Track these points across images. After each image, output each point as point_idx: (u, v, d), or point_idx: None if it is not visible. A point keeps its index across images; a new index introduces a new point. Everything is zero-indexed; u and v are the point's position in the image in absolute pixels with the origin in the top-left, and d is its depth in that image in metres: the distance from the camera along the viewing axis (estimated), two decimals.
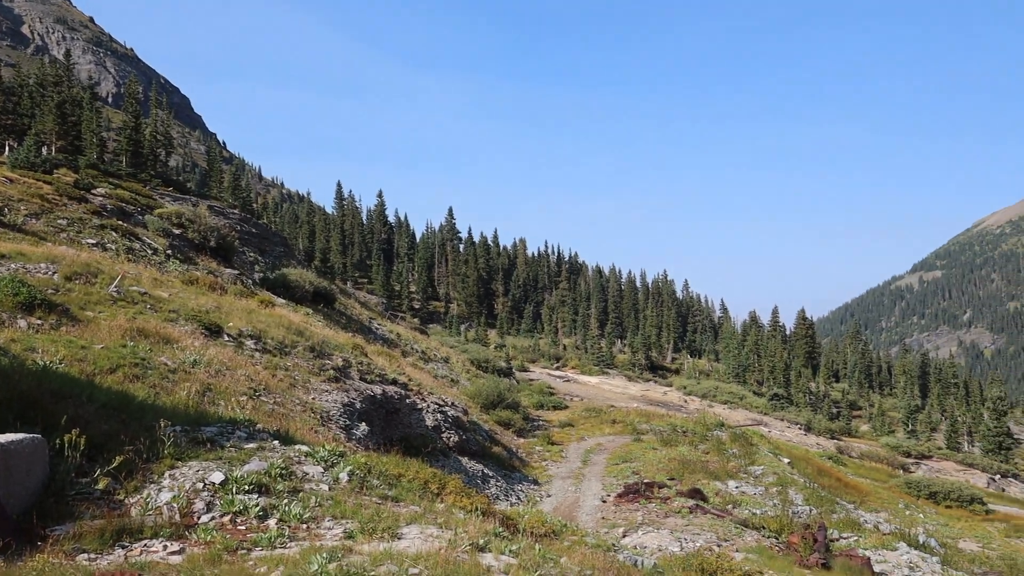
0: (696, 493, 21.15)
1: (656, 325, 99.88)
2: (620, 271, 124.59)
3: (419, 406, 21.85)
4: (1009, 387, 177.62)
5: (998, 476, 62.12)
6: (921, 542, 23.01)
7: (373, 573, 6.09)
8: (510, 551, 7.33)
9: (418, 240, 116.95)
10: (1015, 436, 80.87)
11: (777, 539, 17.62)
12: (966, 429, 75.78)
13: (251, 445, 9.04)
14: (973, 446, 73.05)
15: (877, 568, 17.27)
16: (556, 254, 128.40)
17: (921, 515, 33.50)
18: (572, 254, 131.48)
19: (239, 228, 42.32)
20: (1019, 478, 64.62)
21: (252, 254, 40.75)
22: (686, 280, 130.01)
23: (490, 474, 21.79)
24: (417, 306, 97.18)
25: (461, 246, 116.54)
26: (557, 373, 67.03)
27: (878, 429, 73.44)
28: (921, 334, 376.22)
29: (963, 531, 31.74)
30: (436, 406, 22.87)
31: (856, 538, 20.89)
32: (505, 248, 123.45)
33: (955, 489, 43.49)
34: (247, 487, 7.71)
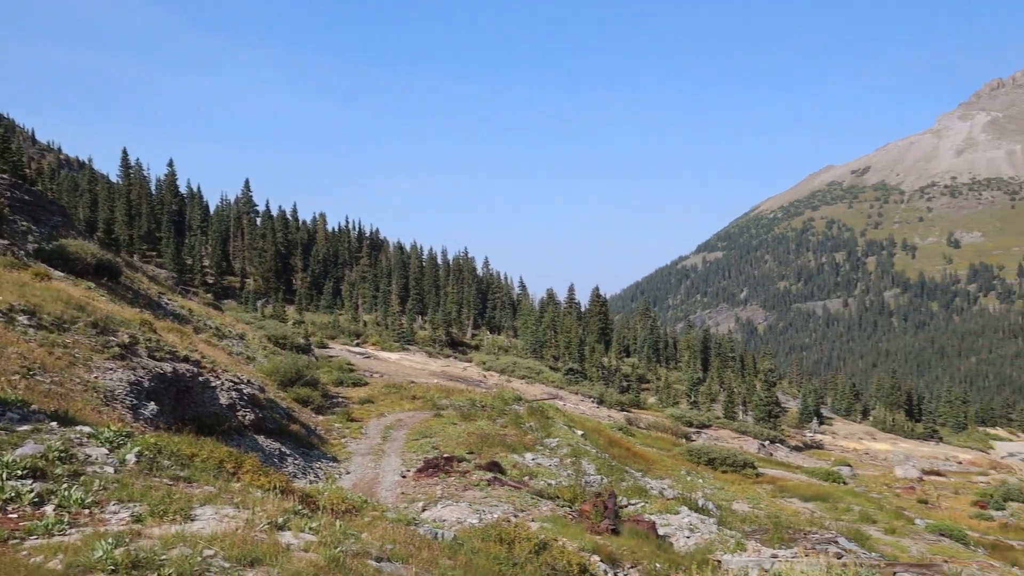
0: (494, 466, 21.58)
1: (457, 302, 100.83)
2: (421, 248, 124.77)
3: (213, 384, 21.04)
4: (778, 360, 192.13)
5: (767, 442, 67.35)
6: (700, 505, 24.62)
7: (164, 557, 5.83)
8: (310, 528, 7.22)
9: (212, 213, 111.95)
10: (783, 405, 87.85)
11: (571, 508, 18.31)
12: (741, 399, 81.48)
13: (25, 427, 8.38)
14: (747, 415, 78.67)
15: (661, 531, 18.33)
16: (357, 230, 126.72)
17: (701, 480, 35.78)
18: (373, 230, 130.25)
19: (8, 195, 38.96)
20: (785, 443, 70.32)
21: (25, 223, 37.63)
22: (486, 258, 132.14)
23: (287, 452, 21.34)
24: (211, 281, 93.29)
25: (258, 220, 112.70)
26: (357, 350, 66.39)
27: (664, 401, 77.64)
28: (704, 311, 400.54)
29: (736, 493, 34.16)
30: (231, 384, 22.10)
31: (643, 504, 22.05)
32: (304, 223, 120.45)
33: (731, 455, 46.78)
34: (20, 472, 7.14)
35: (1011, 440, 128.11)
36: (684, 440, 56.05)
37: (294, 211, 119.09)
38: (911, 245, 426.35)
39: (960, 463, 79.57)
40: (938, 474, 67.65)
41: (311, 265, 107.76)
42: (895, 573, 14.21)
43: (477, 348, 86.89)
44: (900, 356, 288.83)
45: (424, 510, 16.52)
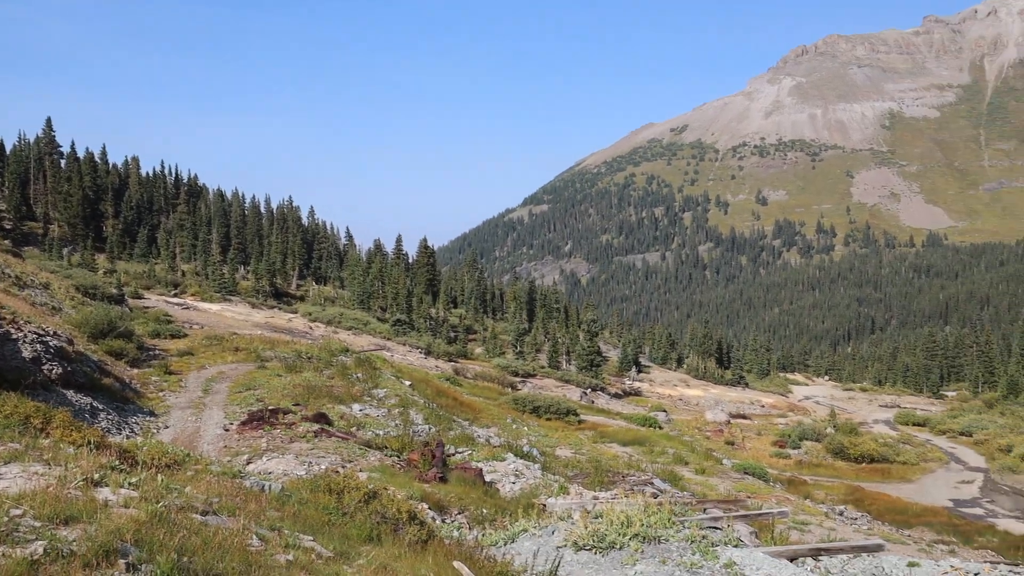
0: (322, 417, 21.33)
1: (281, 252, 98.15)
2: (244, 196, 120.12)
3: (14, 336, 19.66)
4: (600, 311, 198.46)
5: (589, 390, 69.79)
6: (525, 452, 25.29)
7: None
8: (130, 484, 6.92)
9: (8, 153, 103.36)
10: (604, 354, 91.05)
11: (399, 457, 18.39)
12: (565, 349, 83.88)
13: None
14: (571, 364, 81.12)
15: (488, 477, 18.72)
16: (174, 175, 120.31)
17: (526, 428, 36.73)
18: (192, 176, 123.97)
19: None
20: (606, 391, 73.08)
21: None
22: (312, 207, 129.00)
23: (100, 407, 20.28)
24: (9, 227, 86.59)
25: (63, 162, 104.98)
26: (176, 300, 63.62)
27: (491, 351, 78.87)
28: (530, 263, 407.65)
29: (560, 440, 35.32)
30: (35, 336, 20.72)
31: (470, 452, 22.42)
32: (116, 166, 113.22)
33: (555, 403, 48.23)
34: None
35: (807, 384, 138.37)
36: (510, 389, 57.24)
37: (103, 154, 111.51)
38: (724, 202, 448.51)
39: (763, 406, 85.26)
40: (744, 417, 72.27)
41: (123, 212, 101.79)
42: (704, 509, 15.12)
43: (303, 299, 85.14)
44: (712, 307, 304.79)
45: (249, 463, 16.16)
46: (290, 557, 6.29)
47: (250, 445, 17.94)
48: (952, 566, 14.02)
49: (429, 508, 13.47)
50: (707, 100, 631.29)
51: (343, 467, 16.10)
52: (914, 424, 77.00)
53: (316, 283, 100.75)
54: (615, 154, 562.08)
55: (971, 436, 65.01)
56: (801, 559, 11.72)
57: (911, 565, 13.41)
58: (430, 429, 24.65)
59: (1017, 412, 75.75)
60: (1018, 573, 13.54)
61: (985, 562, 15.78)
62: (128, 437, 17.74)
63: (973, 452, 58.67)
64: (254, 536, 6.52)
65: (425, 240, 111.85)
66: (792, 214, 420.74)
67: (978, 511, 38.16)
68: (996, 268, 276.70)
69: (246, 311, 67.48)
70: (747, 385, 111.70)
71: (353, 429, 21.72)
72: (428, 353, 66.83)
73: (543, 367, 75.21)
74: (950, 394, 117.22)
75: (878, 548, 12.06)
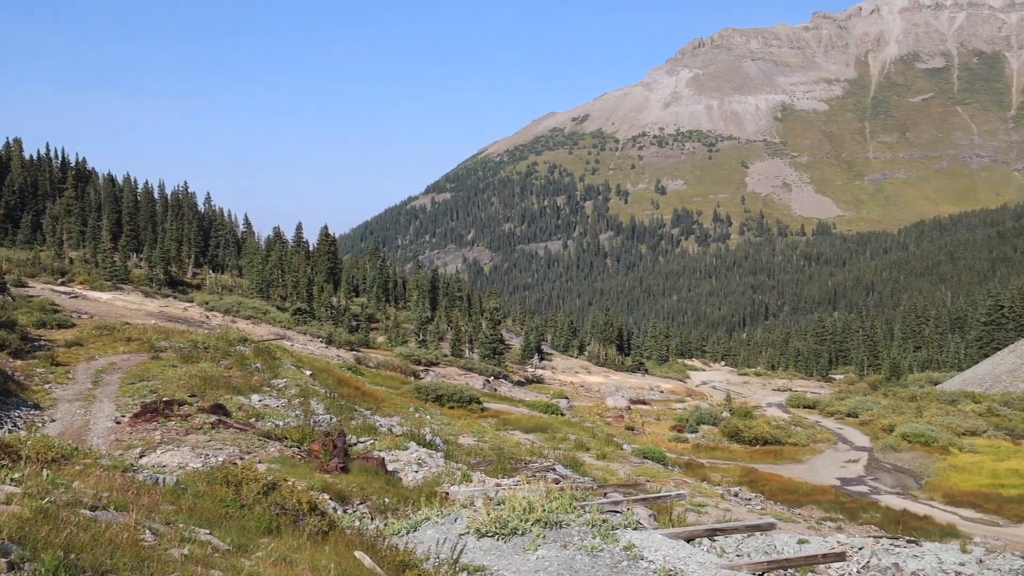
0: (219, 408, 20.84)
1: (176, 239, 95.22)
2: (136, 181, 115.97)
3: None
4: (503, 299, 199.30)
5: (492, 378, 70.04)
6: (428, 440, 25.24)
7: None
8: (12, 479, 6.62)
9: None
10: (507, 342, 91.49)
11: (300, 448, 18.12)
12: (468, 337, 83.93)
13: None
14: (473, 352, 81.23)
15: (391, 466, 18.62)
16: (60, 159, 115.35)
17: (429, 416, 36.62)
18: (80, 159, 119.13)
19: None
20: (508, 378, 73.47)
21: None
22: (208, 193, 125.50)
23: None
24: None
25: None
26: (63, 289, 61.08)
27: (393, 340, 78.35)
28: (432, 251, 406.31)
29: (463, 428, 35.36)
30: None
31: (373, 441, 22.25)
32: None
33: (457, 392, 48.23)
34: None
35: (704, 370, 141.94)
36: (413, 378, 57.00)
37: None
38: (624, 191, 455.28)
39: (662, 392, 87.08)
40: (643, 403, 73.68)
41: (5, 196, 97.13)
42: (605, 494, 15.37)
43: (199, 288, 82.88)
44: (613, 295, 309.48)
45: (142, 456, 15.67)
46: (185, 551, 6.12)
47: (143, 438, 17.39)
48: (839, 542, 14.61)
49: (330, 499, 13.33)
50: (608, 90, 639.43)
51: (242, 459, 15.77)
52: (805, 407, 79.80)
53: (213, 271, 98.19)
54: (518, 143, 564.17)
55: (857, 417, 67.76)
56: (698, 539, 12.04)
57: (801, 542, 13.92)
58: (331, 419, 24.35)
59: (899, 393, 79.33)
60: (897, 546, 14.18)
61: (869, 537, 16.49)
62: (11, 431, 16.98)
63: (859, 432, 61.17)
64: (147, 531, 6.32)
65: (326, 228, 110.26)
66: (690, 203, 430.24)
67: (863, 488, 39.85)
68: (880, 256, 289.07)
69: (139, 300, 65.32)
70: (647, 371, 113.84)
71: (252, 420, 21.29)
72: (329, 342, 65.97)
73: (446, 355, 75.12)
74: (838, 377, 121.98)
75: (770, 527, 12.48)
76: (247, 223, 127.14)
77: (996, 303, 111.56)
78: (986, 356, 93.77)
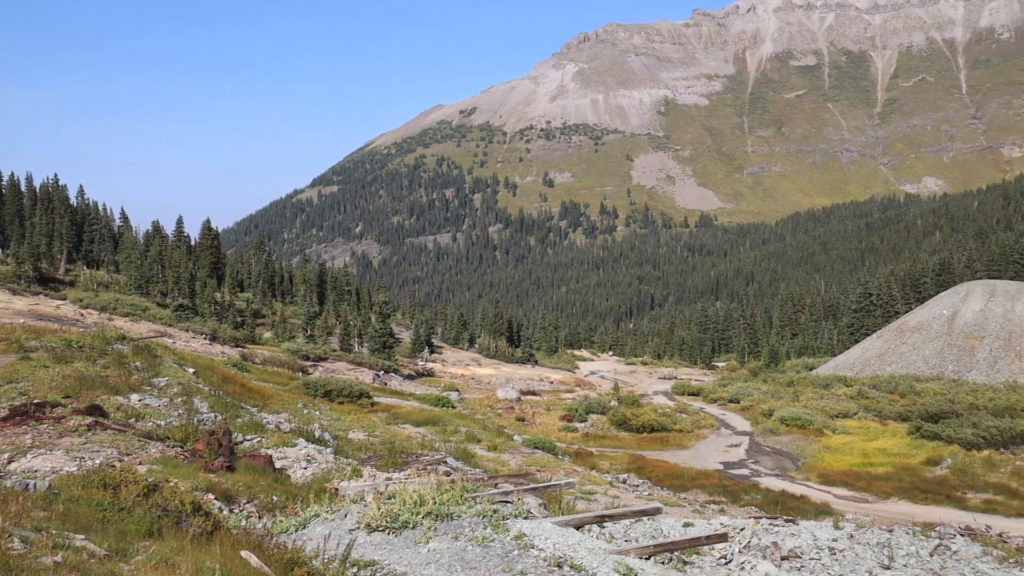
0: (96, 410, 20.00)
1: (46, 234, 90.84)
2: (1, 173, 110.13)
3: None
4: (392, 293, 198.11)
5: (382, 372, 69.50)
6: (317, 436, 24.85)
7: None
8: None
9: None
10: (397, 336, 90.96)
11: (183, 448, 17.57)
12: (357, 331, 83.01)
13: None
14: (363, 346, 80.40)
15: (279, 464, 18.26)
16: None
17: (318, 412, 36.06)
18: None
19: None
20: (399, 372, 73.06)
21: None
22: (80, 186, 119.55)
23: None
24: None
25: None
26: None
27: (280, 335, 76.82)
28: (320, 245, 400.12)
29: (353, 423, 34.93)
30: None
31: (260, 439, 21.77)
32: None
33: (347, 386, 47.64)
34: None
35: (593, 360, 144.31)
36: (301, 374, 56.02)
37: None
38: (512, 183, 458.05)
39: (552, 383, 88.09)
40: (534, 394, 74.36)
41: None
42: (496, 484, 15.45)
43: (72, 284, 79.39)
44: (503, 287, 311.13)
45: (11, 462, 14.92)
46: (58, 558, 5.87)
47: (12, 443, 16.55)
48: (722, 523, 15.09)
49: (216, 498, 12.98)
50: (495, 83, 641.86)
51: (121, 460, 15.19)
52: (689, 394, 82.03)
53: (88, 267, 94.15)
54: (405, 135, 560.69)
55: (739, 403, 70.06)
56: (588, 526, 12.23)
57: (686, 525, 14.32)
58: (216, 417, 23.69)
59: (777, 379, 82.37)
60: (776, 525, 14.76)
61: (750, 518, 17.09)
62: None
63: (740, 417, 63.27)
64: (15, 539, 6.03)
65: (208, 221, 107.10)
66: (577, 196, 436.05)
67: (744, 471, 41.24)
68: (759, 247, 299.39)
69: (6, 298, 62.13)
70: (537, 362, 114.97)
71: (132, 420, 20.52)
72: (214, 339, 64.19)
73: (335, 350, 74.12)
74: (721, 364, 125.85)
75: (656, 511, 12.77)
76: (124, 217, 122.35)
77: (865, 291, 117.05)
78: (856, 342, 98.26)
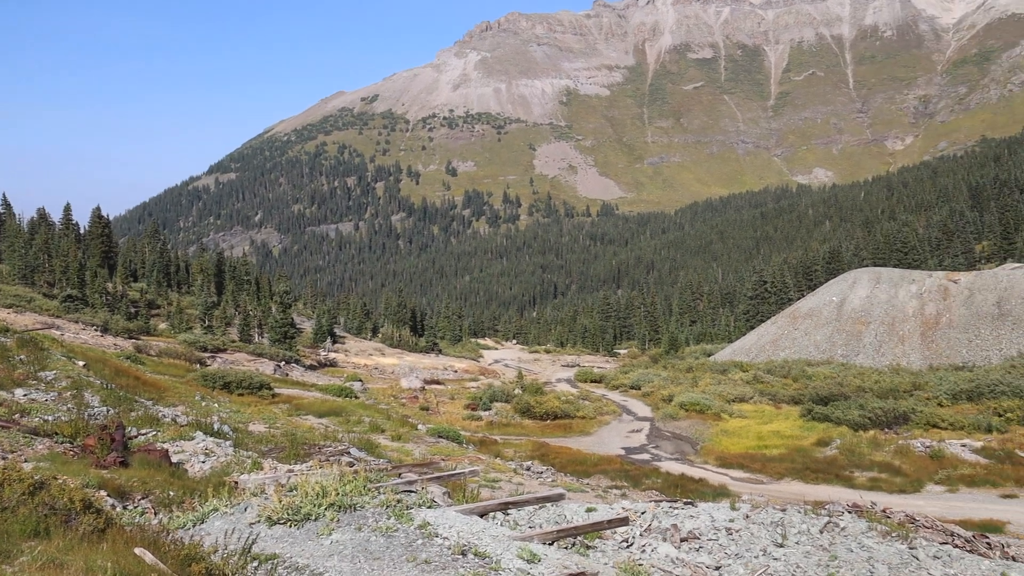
0: None
1: None
2: None
3: None
4: (293, 282, 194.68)
5: (283, 362, 68.31)
6: (216, 429, 24.28)
7: None
8: None
9: None
10: (298, 326, 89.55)
11: (72, 444, 16.92)
12: (257, 322, 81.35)
13: None
14: (263, 337, 78.84)
15: (175, 458, 17.76)
16: None
17: (216, 404, 35.23)
18: None
19: None
20: (300, 363, 71.96)
21: None
22: None
23: None
24: None
25: None
26: None
27: (176, 326, 74.68)
28: (217, 233, 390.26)
29: (253, 415, 34.26)
30: None
31: (155, 433, 21.13)
32: None
33: (247, 378, 46.68)
34: None
35: (497, 348, 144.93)
36: (199, 365, 54.64)
37: None
38: (415, 172, 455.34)
39: (456, 372, 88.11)
40: (438, 383, 74.26)
41: None
42: (400, 474, 15.40)
43: None
44: (406, 276, 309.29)
45: None
46: None
47: None
48: (623, 507, 15.36)
49: (108, 495, 12.55)
50: (398, 71, 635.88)
51: (4, 458, 14.54)
52: (592, 381, 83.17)
53: None
54: (305, 122, 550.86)
55: (640, 389, 71.40)
56: (492, 514, 12.29)
57: (589, 510, 14.52)
58: (109, 411, 22.90)
59: (677, 365, 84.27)
60: (676, 508, 15.10)
61: (651, 501, 17.43)
62: None
63: (642, 403, 64.48)
64: None
65: (99, 209, 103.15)
66: (480, 184, 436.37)
67: (645, 456, 42.07)
68: (659, 235, 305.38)
69: None
70: (441, 351, 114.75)
71: (16, 416, 19.66)
72: (106, 331, 61.98)
73: (234, 341, 72.49)
74: (622, 352, 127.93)
75: (560, 497, 12.91)
76: (6, 203, 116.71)
77: (760, 279, 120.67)
78: (752, 328, 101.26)
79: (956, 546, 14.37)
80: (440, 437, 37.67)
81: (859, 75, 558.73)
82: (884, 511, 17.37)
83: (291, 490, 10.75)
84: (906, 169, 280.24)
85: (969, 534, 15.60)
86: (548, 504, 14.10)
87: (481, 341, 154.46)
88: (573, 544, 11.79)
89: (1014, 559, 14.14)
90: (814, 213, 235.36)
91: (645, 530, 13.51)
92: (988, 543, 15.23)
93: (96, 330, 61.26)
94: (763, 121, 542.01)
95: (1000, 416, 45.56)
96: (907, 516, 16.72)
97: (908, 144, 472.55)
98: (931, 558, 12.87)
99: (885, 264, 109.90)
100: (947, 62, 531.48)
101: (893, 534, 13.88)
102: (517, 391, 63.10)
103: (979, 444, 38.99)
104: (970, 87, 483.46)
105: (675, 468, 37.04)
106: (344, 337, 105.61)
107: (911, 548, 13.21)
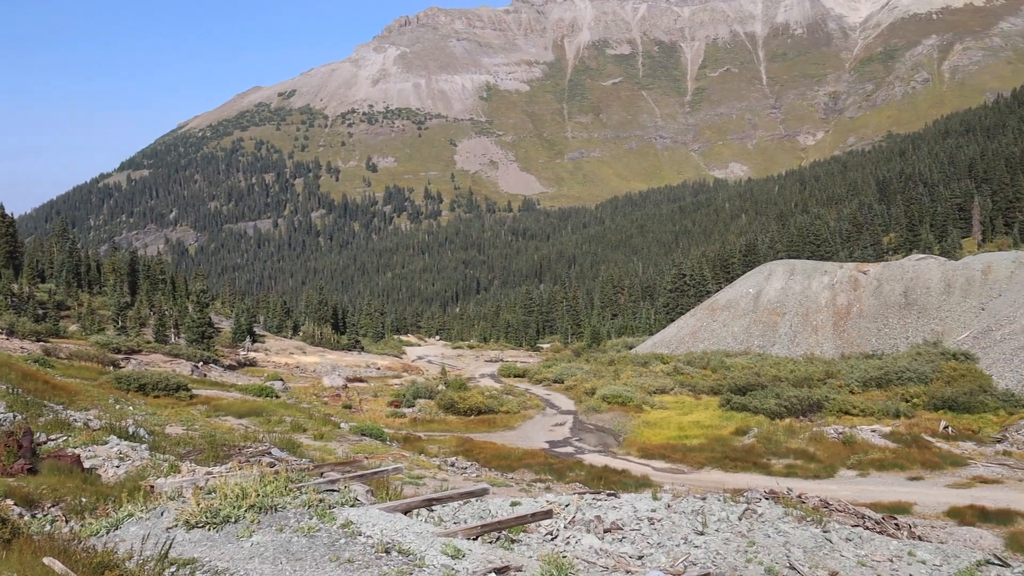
0: None
1: None
2: None
3: None
4: (211, 281, 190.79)
5: (201, 363, 66.84)
6: (131, 432, 23.62)
7: None
8: None
9: None
10: (216, 325, 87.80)
11: None
12: (173, 322, 79.48)
13: None
14: (180, 337, 77.07)
15: (88, 463, 17.22)
16: None
17: (131, 407, 34.30)
18: None
19: None
20: (219, 363, 70.56)
21: None
22: None
23: None
24: None
25: None
26: None
27: (88, 328, 72.47)
28: (131, 232, 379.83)
29: (170, 417, 33.46)
30: None
31: (66, 438, 20.46)
32: None
33: (163, 379, 45.54)
34: None
35: (420, 345, 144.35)
36: (112, 368, 53.12)
37: None
38: (335, 168, 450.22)
39: (379, 369, 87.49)
40: (361, 380, 73.62)
41: None
42: (322, 473, 15.21)
43: None
44: (327, 273, 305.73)
45: None
46: None
47: None
48: (548, 501, 15.46)
49: (15, 504, 12.10)
50: (315, 66, 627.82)
51: None
52: (515, 376, 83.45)
53: None
54: (221, 117, 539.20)
55: (563, 383, 71.94)
56: (416, 510, 12.24)
57: (514, 504, 14.58)
58: (15, 417, 22.08)
59: (599, 359, 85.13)
60: (599, 500, 15.26)
61: (575, 494, 17.59)
62: None
63: (565, 397, 64.98)
64: None
65: (1, 207, 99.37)
66: (401, 180, 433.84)
67: (569, 449, 42.42)
68: (580, 230, 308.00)
69: None
70: (363, 349, 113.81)
71: None
72: (11, 333, 59.77)
73: (149, 342, 70.67)
74: (545, 346, 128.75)
75: (484, 492, 12.93)
76: None
77: (679, 272, 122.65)
78: (672, 320, 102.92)
79: (867, 528, 14.86)
80: (363, 435, 37.37)
81: (772, 72, 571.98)
82: (800, 497, 17.86)
83: (210, 492, 10.54)
84: (818, 163, 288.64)
85: (879, 516, 16.15)
86: (473, 499, 14.11)
87: (404, 338, 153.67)
88: (498, 538, 11.82)
89: (920, 538, 14.69)
90: (731, 207, 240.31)
91: (569, 522, 13.62)
92: (896, 524, 15.80)
93: (1, 333, 59.07)
94: (680, 116, 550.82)
95: (907, 402, 47.29)
96: (821, 501, 17.23)
97: (819, 139, 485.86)
98: (844, 540, 13.27)
99: (799, 256, 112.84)
100: (855, 60, 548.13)
101: (808, 519, 14.28)
102: (441, 387, 62.97)
103: (888, 429, 40.42)
104: (876, 84, 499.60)
105: (598, 460, 37.41)
106: (264, 336, 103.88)
107: (825, 532, 13.61)
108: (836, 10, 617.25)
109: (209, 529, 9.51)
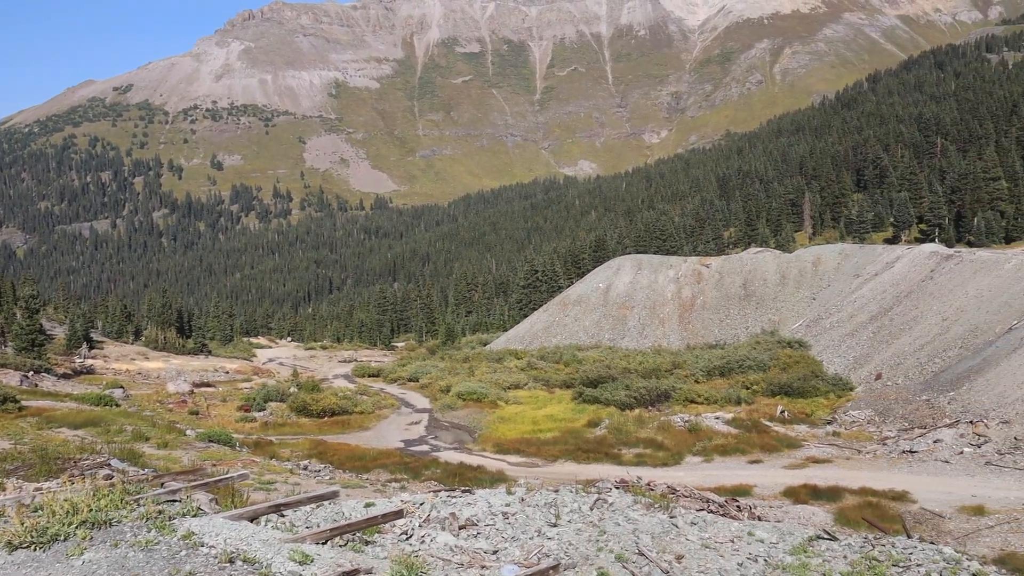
0: None
1: None
2: None
3: None
4: (42, 285, 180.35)
5: (32, 372, 62.92)
6: None
7: None
8: None
9: None
10: (48, 332, 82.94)
11: None
12: (0, 330, 74.59)
13: None
14: (7, 346, 72.37)
15: None
16: None
17: None
18: None
19: None
20: (52, 372, 66.65)
21: None
22: None
23: None
24: None
25: None
26: None
27: None
28: None
29: None
30: None
31: None
32: None
33: None
34: None
35: (271, 347, 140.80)
36: None
37: None
38: (177, 166, 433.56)
39: (228, 373, 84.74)
40: (208, 385, 71.11)
41: None
42: (163, 483, 14.56)
43: None
44: (171, 275, 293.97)
45: None
46: None
47: None
48: (402, 500, 15.35)
49: None
50: (153, 59, 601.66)
51: None
52: (370, 375, 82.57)
53: None
54: (50, 112, 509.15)
55: (418, 381, 71.68)
56: (264, 517, 11.88)
57: (368, 505, 14.39)
58: None
59: (454, 356, 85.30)
60: (454, 497, 15.25)
61: (430, 492, 17.53)
62: None
63: (420, 395, 64.76)
64: None
65: None
66: (249, 179, 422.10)
67: (425, 447, 42.30)
68: (434, 228, 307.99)
69: None
70: (211, 353, 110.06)
71: None
72: None
73: None
74: (400, 345, 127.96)
75: (334, 495, 12.70)
76: None
77: (532, 268, 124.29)
78: (526, 316, 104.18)
79: (711, 511, 15.44)
80: (211, 442, 36.07)
81: (617, 72, 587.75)
82: (648, 484, 18.40)
83: (36, 510, 9.90)
84: (662, 161, 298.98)
85: (722, 499, 16.83)
86: (325, 502, 13.83)
87: (254, 340, 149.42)
88: (351, 541, 11.62)
89: (760, 519, 15.39)
90: (581, 203, 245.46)
91: (424, 521, 13.54)
92: (738, 506, 16.50)
93: None
94: (530, 115, 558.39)
95: (748, 389, 49.62)
96: (669, 487, 17.79)
97: (663, 138, 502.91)
98: (689, 525, 13.74)
99: (646, 251, 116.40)
100: (694, 61, 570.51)
101: (656, 505, 14.71)
102: (293, 389, 61.60)
103: (730, 416, 42.28)
104: (715, 85, 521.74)
105: (454, 457, 37.45)
106: (103, 342, 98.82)
107: (672, 517, 14.05)
108: (676, 13, 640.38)
109: (35, 549, 8.92)
